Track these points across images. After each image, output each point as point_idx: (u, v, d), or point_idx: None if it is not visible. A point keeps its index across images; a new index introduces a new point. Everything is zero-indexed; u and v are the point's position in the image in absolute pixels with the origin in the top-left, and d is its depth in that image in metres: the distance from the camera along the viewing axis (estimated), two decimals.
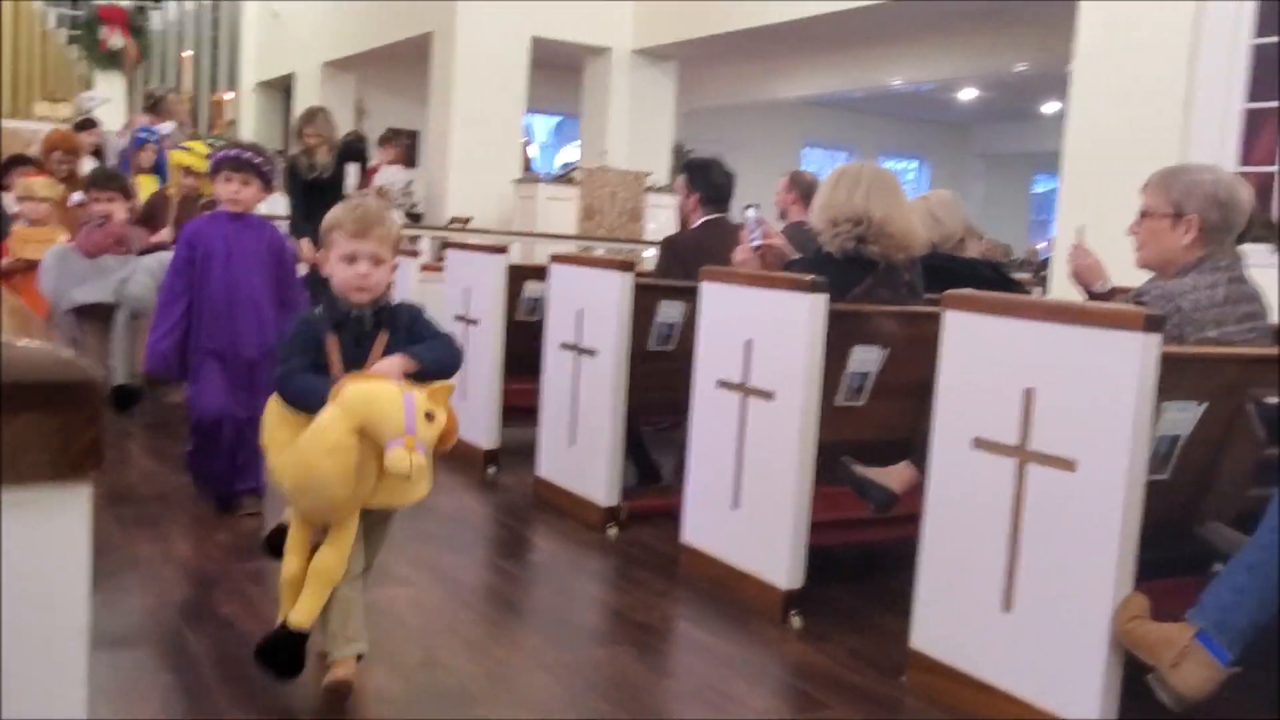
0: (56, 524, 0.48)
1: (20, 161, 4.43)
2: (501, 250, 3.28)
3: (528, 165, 7.29)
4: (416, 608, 2.22)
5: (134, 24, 8.39)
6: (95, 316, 3.34)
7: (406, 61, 7.42)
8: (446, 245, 4.07)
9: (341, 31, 7.84)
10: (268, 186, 2.46)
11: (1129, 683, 1.65)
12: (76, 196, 4.04)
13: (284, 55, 8.93)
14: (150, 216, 3.88)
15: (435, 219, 6.52)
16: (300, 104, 7.46)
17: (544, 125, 10.27)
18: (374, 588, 2.28)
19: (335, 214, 1.63)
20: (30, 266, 3.41)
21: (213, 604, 2.07)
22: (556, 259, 2.98)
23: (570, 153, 8.91)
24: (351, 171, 4.80)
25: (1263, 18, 3.91)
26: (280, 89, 9.44)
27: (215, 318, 2.36)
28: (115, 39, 8.20)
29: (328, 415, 1.44)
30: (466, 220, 6.14)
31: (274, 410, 1.64)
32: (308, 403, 1.51)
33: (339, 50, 7.98)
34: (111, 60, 8.28)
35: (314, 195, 4.06)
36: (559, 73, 7.21)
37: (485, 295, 3.17)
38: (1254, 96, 3.87)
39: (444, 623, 2.16)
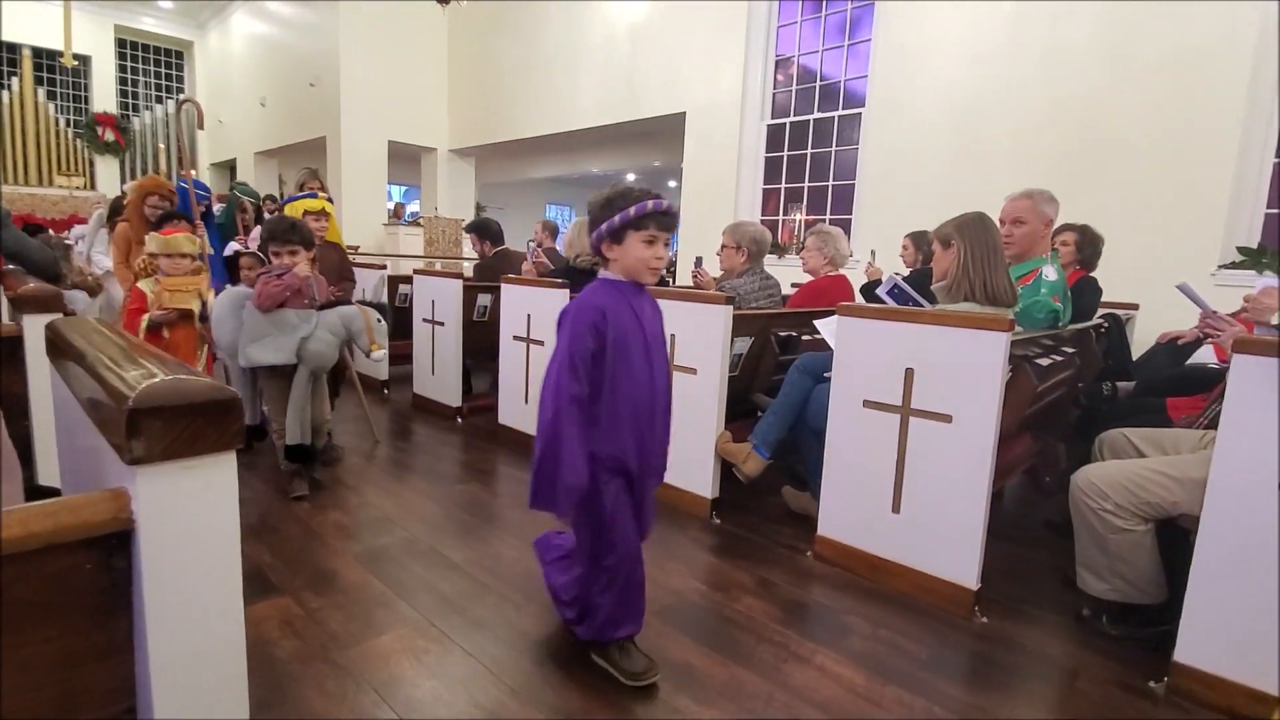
0: (220, 476, 0.75)
1: (116, 210, 4.25)
2: (383, 267, 5.04)
3: (400, 215, 10.43)
4: (349, 471, 3.22)
5: (120, 125, 12.71)
6: (273, 374, 2.95)
7: (310, 150, 11.23)
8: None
9: (265, 133, 11.86)
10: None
11: (725, 473, 2.86)
12: (234, 246, 4.10)
13: (227, 146, 13.15)
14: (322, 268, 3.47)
15: None
16: (247, 179, 11.93)
17: (397, 191, 14.90)
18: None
19: None
20: (184, 317, 3.07)
21: None
22: (417, 272, 4.50)
23: (414, 207, 13.75)
24: None
25: (772, 136, 6.63)
26: (226, 168, 13.67)
27: (627, 425, 1.69)
28: (108, 134, 12.47)
29: None
30: (356, 247, 8.57)
31: None
32: None
33: (265, 144, 11.92)
34: (107, 148, 12.50)
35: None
36: (407, 161, 11.30)
37: (372, 293, 4.97)
38: (768, 181, 6.58)
39: (368, 479, 3.17)
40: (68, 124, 12.39)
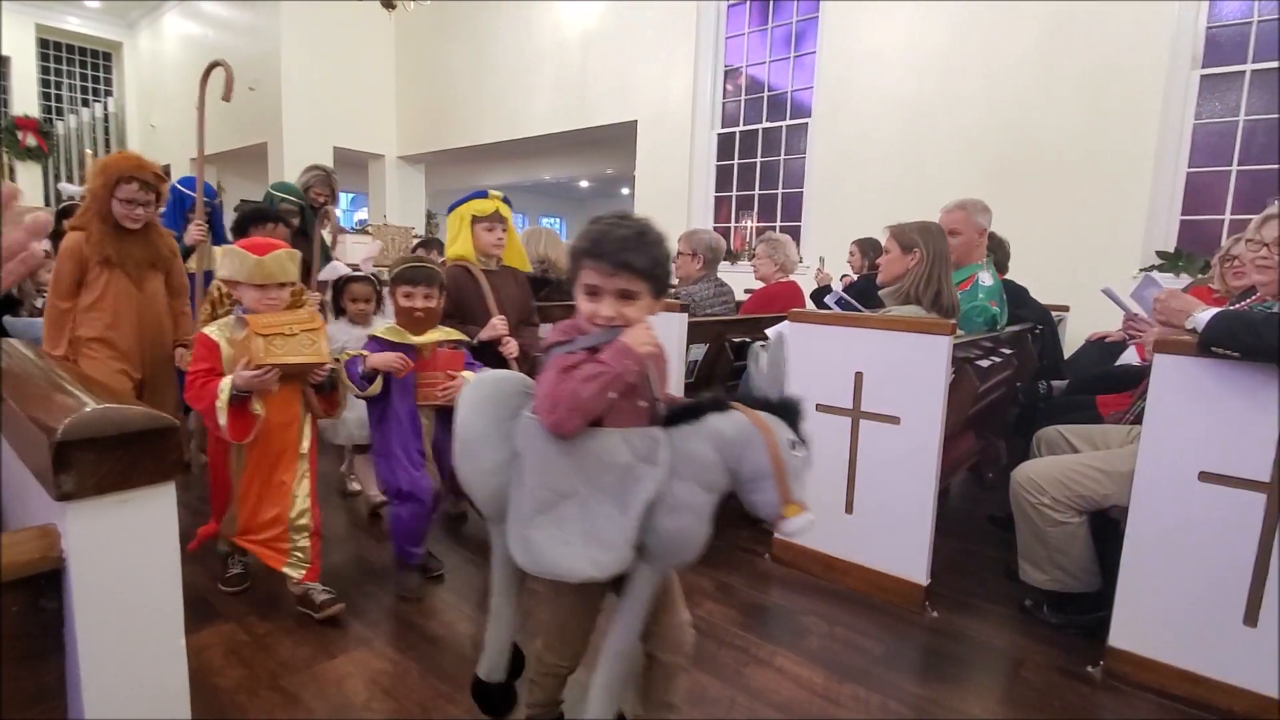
0: (158, 509, 0.71)
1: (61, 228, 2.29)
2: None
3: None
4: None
5: (43, 129, 11.81)
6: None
7: (250, 157, 10.41)
8: None
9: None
10: None
11: None
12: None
13: (162, 151, 11.96)
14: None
15: None
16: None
17: (344, 199, 14.80)
18: None
19: None
20: (292, 377, 1.91)
21: None
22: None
23: (362, 214, 13.37)
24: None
25: (722, 145, 6.70)
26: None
27: None
28: (30, 139, 11.60)
29: None
30: None
31: None
32: None
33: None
34: (29, 154, 11.62)
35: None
36: (353, 168, 10.79)
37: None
38: (719, 189, 6.68)
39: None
40: None
